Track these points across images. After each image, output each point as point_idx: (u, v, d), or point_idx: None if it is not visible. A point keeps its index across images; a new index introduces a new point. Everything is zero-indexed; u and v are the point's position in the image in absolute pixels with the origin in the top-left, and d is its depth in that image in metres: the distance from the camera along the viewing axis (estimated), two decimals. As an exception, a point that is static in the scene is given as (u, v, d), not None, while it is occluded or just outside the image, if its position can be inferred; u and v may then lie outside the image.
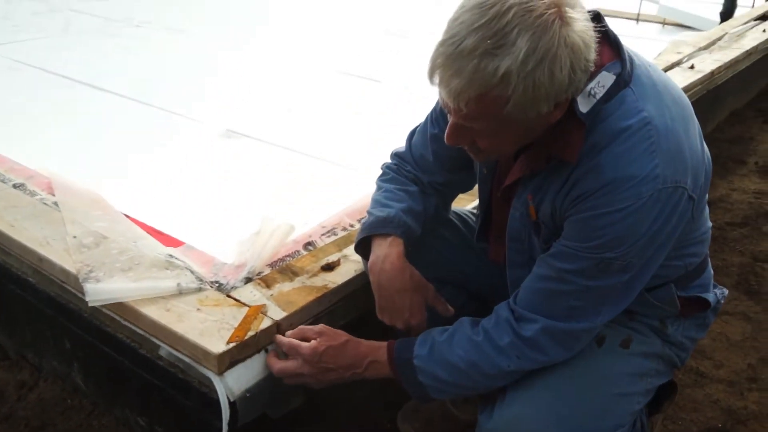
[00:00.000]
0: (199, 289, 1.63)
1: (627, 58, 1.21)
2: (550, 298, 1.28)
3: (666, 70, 3.42)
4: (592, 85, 1.17)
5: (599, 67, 1.18)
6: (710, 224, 1.46)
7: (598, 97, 1.18)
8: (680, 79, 3.24)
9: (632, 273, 1.24)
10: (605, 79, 1.18)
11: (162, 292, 1.58)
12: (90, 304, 1.57)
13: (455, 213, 1.73)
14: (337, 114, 3.22)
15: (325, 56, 4.18)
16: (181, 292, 1.61)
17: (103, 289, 1.58)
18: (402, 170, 1.62)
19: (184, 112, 3.17)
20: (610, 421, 1.36)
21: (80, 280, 1.61)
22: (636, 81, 1.21)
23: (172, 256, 1.75)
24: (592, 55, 1.13)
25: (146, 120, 3.09)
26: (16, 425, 1.76)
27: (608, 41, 1.22)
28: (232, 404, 1.40)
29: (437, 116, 1.53)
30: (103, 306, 1.60)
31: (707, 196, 1.39)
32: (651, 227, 1.19)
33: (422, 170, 1.59)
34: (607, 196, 1.17)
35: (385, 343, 1.42)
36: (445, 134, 1.24)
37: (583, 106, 1.17)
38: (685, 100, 1.31)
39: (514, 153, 1.34)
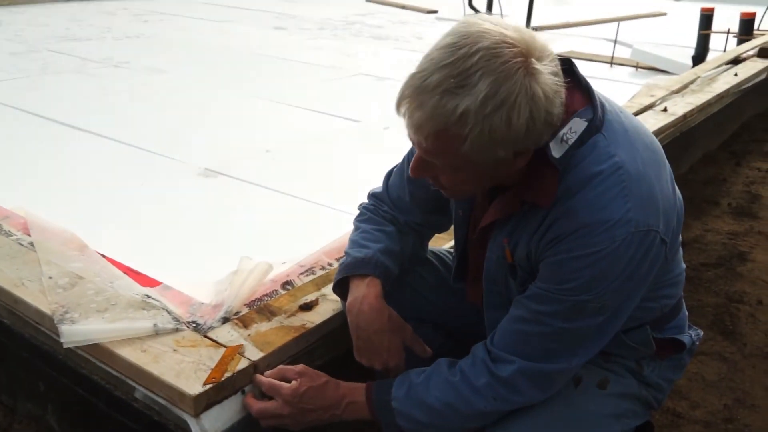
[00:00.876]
0: (176, 330, 1.62)
1: (598, 104, 1.25)
2: (525, 340, 1.29)
3: (639, 112, 3.50)
4: (564, 131, 1.20)
5: (571, 113, 1.22)
6: (684, 266, 1.49)
7: (570, 142, 1.21)
8: (653, 121, 3.33)
9: (607, 315, 1.26)
10: (577, 125, 1.21)
11: (138, 332, 1.57)
12: (65, 346, 1.55)
13: (433, 252, 1.74)
14: (315, 153, 3.25)
15: (304, 96, 4.23)
16: (157, 333, 1.60)
17: (78, 330, 1.56)
18: (379, 210, 1.64)
19: (162, 151, 3.18)
20: None
21: (55, 322, 1.59)
22: (607, 126, 1.24)
23: (148, 296, 1.74)
24: (557, 109, 1.16)
25: (123, 159, 3.10)
26: (-14, 470, 1.73)
27: (580, 88, 1.25)
28: (208, 446, 1.39)
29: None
30: (78, 347, 1.58)
31: (680, 238, 1.42)
32: (625, 269, 1.21)
33: (399, 210, 1.61)
34: (583, 239, 1.20)
35: (363, 385, 1.42)
36: (410, 166, 1.26)
37: (556, 151, 1.20)
38: (657, 144, 1.34)
39: (485, 195, 1.37)
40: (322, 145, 3.37)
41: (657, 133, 3.16)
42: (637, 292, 1.28)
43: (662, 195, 1.26)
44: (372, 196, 1.68)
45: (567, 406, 1.37)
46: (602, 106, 1.26)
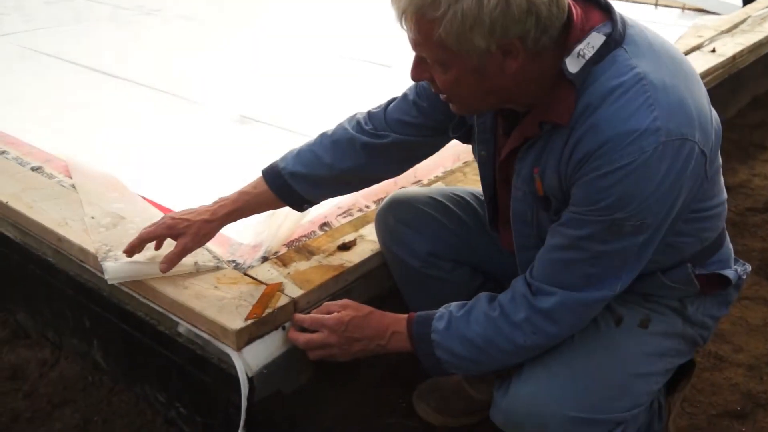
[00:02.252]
0: (216, 268, 1.63)
1: (618, 18, 1.19)
2: (565, 268, 1.26)
3: (687, 53, 3.37)
4: (581, 46, 1.16)
5: (589, 30, 1.17)
6: (725, 196, 1.41)
7: (587, 57, 1.16)
8: (701, 62, 3.20)
9: (647, 234, 1.21)
10: (595, 40, 1.16)
11: (180, 270, 1.59)
12: (109, 282, 1.58)
13: (473, 194, 1.72)
14: (349, 98, 3.21)
15: (338, 41, 4.17)
16: (198, 270, 1.62)
17: (122, 268, 1.59)
18: (362, 127, 1.58)
19: (197, 98, 3.18)
20: (626, 401, 1.35)
21: (99, 260, 1.62)
22: (629, 40, 1.19)
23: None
24: (547, 4, 1.10)
25: (159, 106, 3.11)
26: (38, 402, 1.78)
27: (598, 5, 1.21)
28: (250, 380, 1.41)
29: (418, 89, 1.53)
30: (121, 284, 1.61)
31: (720, 161, 1.34)
32: (661, 183, 1.16)
33: (392, 130, 1.55)
34: (608, 154, 1.14)
35: (406, 316, 1.42)
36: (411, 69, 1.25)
37: (572, 66, 1.16)
38: (686, 60, 1.27)
39: (504, 129, 1.33)
40: (356, 89, 3.33)
41: (704, 75, 3.05)
42: (676, 208, 1.22)
43: (695, 106, 1.19)
44: (367, 113, 1.62)
45: (608, 346, 1.36)
46: (623, 20, 1.20)
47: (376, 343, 1.42)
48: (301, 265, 1.67)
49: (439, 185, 2.04)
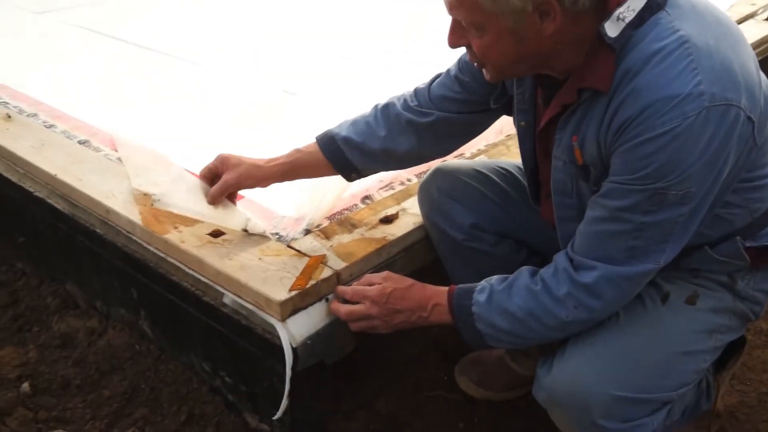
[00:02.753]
0: (263, 234, 1.65)
1: None
2: (607, 241, 1.23)
3: (739, 22, 3.25)
4: (620, 9, 1.12)
5: None
6: None
7: (627, 20, 1.12)
8: (755, 31, 3.07)
9: (691, 205, 1.17)
10: (635, 3, 1.12)
11: (231, 225, 1.62)
12: (154, 206, 1.67)
13: (518, 168, 1.69)
14: (349, 99, 3.15)
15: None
16: (246, 231, 1.65)
17: (175, 203, 1.67)
18: (407, 104, 1.58)
19: (243, 71, 3.17)
20: (673, 380, 1.33)
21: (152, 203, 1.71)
22: (671, 3, 1.14)
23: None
24: None
25: (203, 80, 3.11)
26: (87, 369, 1.83)
27: None
28: (294, 350, 1.42)
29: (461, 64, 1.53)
30: (167, 255, 1.64)
31: None
32: (705, 151, 1.11)
33: (435, 107, 1.55)
34: (649, 120, 1.10)
35: (446, 288, 1.41)
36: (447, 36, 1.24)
37: (612, 30, 1.12)
38: (733, 23, 1.23)
39: (544, 99, 1.31)
40: (358, 91, 3.26)
41: (758, 44, 2.93)
42: (722, 177, 1.18)
43: (742, 70, 1.14)
44: (414, 89, 1.62)
45: (654, 324, 1.33)
46: None
47: (418, 315, 1.41)
48: (344, 238, 1.67)
49: (483, 158, 2.01)
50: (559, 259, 1.30)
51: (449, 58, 1.52)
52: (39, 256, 2.16)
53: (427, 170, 1.74)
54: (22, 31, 3.47)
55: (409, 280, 1.45)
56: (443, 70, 1.58)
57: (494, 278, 1.37)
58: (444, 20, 1.25)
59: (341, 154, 1.59)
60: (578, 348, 1.32)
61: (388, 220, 1.75)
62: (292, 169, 1.62)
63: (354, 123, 1.61)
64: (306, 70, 3.15)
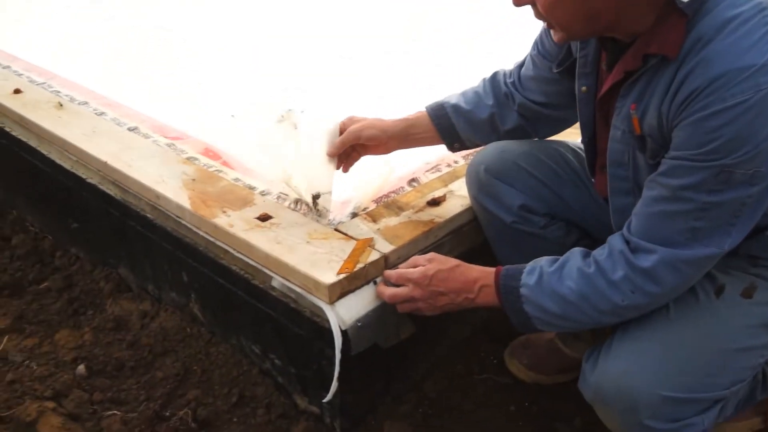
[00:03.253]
0: (326, 212, 1.66)
1: None
2: (667, 222, 1.17)
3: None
4: None
5: None
6: None
7: None
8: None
9: (762, 185, 1.10)
10: None
11: (319, 183, 1.65)
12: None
13: (569, 147, 1.65)
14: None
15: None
16: (297, 203, 1.69)
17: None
18: (506, 79, 1.62)
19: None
20: (726, 378, 1.28)
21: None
22: None
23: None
24: None
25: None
26: (140, 351, 1.87)
27: None
28: (343, 333, 1.42)
29: (537, 38, 1.52)
30: (216, 239, 1.65)
31: None
32: None
33: (522, 87, 1.58)
34: (719, 91, 1.05)
35: (494, 269, 1.38)
36: None
37: None
38: None
39: (607, 63, 1.26)
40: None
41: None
42: None
43: None
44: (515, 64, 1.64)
45: (707, 319, 1.27)
46: None
47: (464, 296, 1.39)
48: (391, 221, 1.66)
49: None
50: (615, 240, 1.25)
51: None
52: (92, 242, 2.21)
53: (476, 151, 1.72)
54: (73, 24, 3.52)
55: (455, 261, 1.43)
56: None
57: (544, 259, 1.34)
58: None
59: (448, 122, 1.61)
60: (625, 343, 1.28)
61: (435, 202, 1.73)
62: (406, 128, 1.64)
63: (464, 93, 1.65)
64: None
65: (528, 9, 1.22)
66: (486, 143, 1.67)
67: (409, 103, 1.78)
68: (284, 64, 2.85)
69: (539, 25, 1.42)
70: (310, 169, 1.63)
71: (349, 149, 1.64)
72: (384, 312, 1.49)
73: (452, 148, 1.66)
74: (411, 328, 1.54)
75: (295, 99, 1.81)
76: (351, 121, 1.65)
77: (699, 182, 1.11)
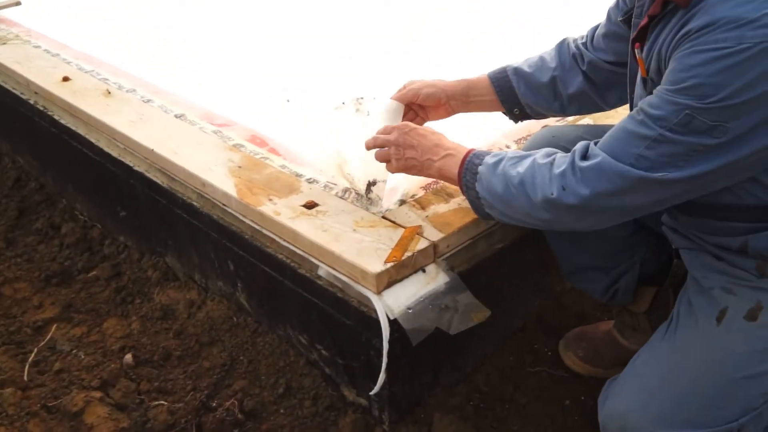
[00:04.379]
0: (378, 200, 1.62)
1: None
2: (623, 139, 1.15)
3: None
4: None
5: None
6: None
7: None
8: None
9: (721, 140, 1.06)
10: None
11: (373, 171, 1.61)
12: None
13: None
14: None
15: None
16: (345, 191, 1.66)
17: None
18: (577, 42, 1.59)
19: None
20: (734, 408, 1.21)
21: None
22: None
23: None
24: None
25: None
26: (187, 341, 1.86)
27: None
28: (392, 322, 1.38)
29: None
30: (262, 227, 1.63)
31: None
32: (753, 86, 1.01)
33: (593, 48, 1.54)
34: (707, 35, 1.04)
35: (471, 148, 1.41)
36: None
37: None
38: None
39: None
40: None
41: None
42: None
43: None
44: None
45: (707, 349, 1.22)
46: None
47: (428, 157, 1.41)
48: (440, 208, 1.61)
49: (587, 121, 1.90)
50: (580, 144, 1.23)
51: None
52: (140, 230, 2.21)
53: (528, 136, 1.65)
54: (122, 15, 3.55)
55: (440, 134, 1.46)
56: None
57: (515, 150, 1.36)
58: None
59: (508, 84, 1.59)
60: (628, 381, 1.29)
61: (486, 189, 1.67)
62: (466, 89, 1.61)
63: (528, 58, 1.62)
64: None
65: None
66: (547, 111, 1.62)
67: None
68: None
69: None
70: (369, 154, 1.59)
71: (411, 114, 1.64)
72: (431, 302, 1.43)
73: (512, 115, 1.63)
74: (484, 311, 1.48)
75: (364, 87, 1.80)
76: (411, 83, 1.64)
77: (663, 116, 1.09)
